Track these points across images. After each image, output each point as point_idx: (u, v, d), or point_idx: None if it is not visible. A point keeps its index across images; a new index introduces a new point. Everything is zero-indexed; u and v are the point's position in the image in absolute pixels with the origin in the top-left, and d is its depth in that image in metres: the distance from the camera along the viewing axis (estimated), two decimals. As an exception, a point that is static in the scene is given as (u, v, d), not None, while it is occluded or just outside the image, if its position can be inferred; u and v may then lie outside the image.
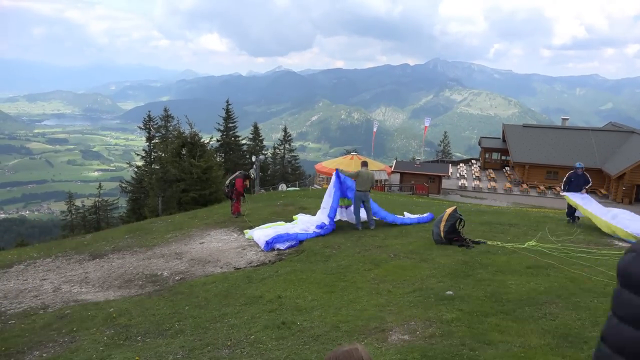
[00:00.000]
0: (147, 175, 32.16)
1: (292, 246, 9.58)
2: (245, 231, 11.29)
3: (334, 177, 11.07)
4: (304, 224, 11.02)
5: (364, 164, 11.15)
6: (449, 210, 8.90)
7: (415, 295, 5.95)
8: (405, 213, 12.30)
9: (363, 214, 10.98)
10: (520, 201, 33.06)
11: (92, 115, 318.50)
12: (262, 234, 10.26)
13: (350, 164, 38.70)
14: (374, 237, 9.82)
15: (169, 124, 39.43)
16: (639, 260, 1.49)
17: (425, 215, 11.86)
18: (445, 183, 38.36)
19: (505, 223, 10.99)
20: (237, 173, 14.33)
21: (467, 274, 6.66)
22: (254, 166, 28.81)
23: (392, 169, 39.11)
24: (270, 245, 9.61)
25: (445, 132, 68.59)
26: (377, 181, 38.11)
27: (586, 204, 10.78)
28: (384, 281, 6.72)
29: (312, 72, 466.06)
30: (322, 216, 10.92)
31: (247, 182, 14.40)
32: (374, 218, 10.96)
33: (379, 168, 38.68)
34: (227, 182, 14.11)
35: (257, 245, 10.07)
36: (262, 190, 30.95)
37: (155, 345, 5.28)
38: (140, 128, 40.00)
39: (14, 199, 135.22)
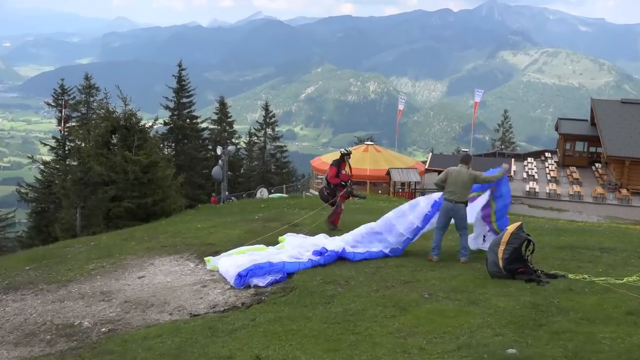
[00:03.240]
0: (59, 176, 32.19)
1: (276, 281, 9.59)
2: (206, 259, 11.30)
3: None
4: (294, 248, 11.03)
5: (466, 158, 10.39)
6: (510, 229, 8.91)
7: (462, 354, 5.97)
8: None
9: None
10: (617, 214, 33.17)
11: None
12: (231, 263, 10.27)
13: (364, 157, 38.86)
14: (399, 267, 9.84)
15: (91, 99, 39.51)
16: None
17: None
18: (505, 187, 38.44)
19: (595, 247, 11.02)
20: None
21: (538, 324, 6.69)
22: (220, 162, 28.89)
23: (427, 166, 39.24)
24: (244, 279, 9.61)
25: (505, 111, 68.94)
26: (403, 184, 38.23)
27: None
28: (414, 334, 6.74)
29: (306, 21, 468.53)
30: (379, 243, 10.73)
31: (347, 170, 13.49)
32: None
33: (406, 165, 38.79)
34: (324, 182, 13.76)
35: (224, 279, 10.08)
36: (233, 199, 31.01)
37: None
38: (48, 104, 40.04)
39: None
